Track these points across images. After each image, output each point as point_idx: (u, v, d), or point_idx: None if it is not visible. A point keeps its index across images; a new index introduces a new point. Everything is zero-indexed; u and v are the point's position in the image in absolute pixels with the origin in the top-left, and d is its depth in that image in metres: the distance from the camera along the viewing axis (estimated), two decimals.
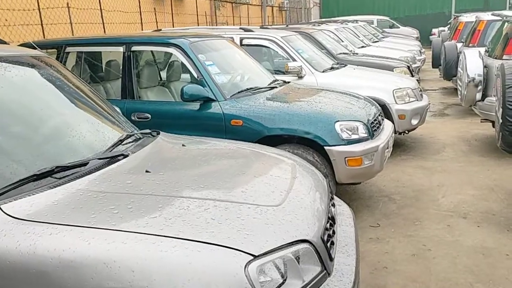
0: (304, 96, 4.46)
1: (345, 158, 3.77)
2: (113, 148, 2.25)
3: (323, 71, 6.18)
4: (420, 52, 13.16)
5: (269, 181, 2.13)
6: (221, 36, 5.04)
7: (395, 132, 5.86)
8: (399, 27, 21.65)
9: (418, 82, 8.61)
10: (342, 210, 2.51)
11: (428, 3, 26.96)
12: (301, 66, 5.95)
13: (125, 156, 2.19)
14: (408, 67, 8.44)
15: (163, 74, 5.27)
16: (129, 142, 2.42)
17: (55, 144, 2.14)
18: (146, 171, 2.01)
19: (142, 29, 9.58)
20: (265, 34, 6.29)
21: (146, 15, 10.33)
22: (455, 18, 12.91)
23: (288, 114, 3.87)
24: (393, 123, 5.76)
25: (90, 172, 1.91)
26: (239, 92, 4.18)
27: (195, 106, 4.04)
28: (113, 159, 2.11)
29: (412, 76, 8.43)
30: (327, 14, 27.25)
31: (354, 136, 3.88)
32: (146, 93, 4.50)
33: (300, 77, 6.04)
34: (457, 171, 5.37)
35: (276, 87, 4.53)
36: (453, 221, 4.05)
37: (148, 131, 2.69)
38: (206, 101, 4.02)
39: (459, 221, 4.06)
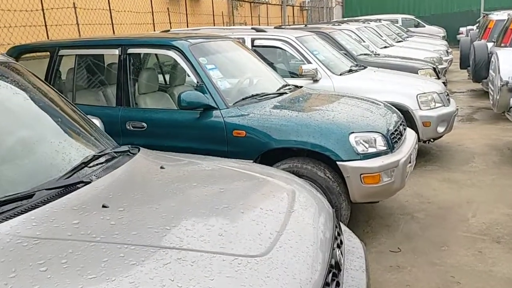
0: (316, 103, 4.02)
1: (361, 174, 3.32)
2: (74, 173, 1.87)
3: (340, 74, 5.73)
4: (447, 52, 12.52)
5: (258, 217, 1.71)
6: (227, 37, 4.64)
7: (419, 140, 5.38)
8: (424, 26, 20.89)
9: (445, 85, 8.06)
10: (352, 247, 2.07)
11: (455, 1, 26.03)
12: (316, 68, 5.50)
13: (86, 183, 1.81)
14: (434, 69, 7.90)
15: (167, 78, 4.91)
16: (98, 164, 2.04)
17: None
18: (103, 206, 1.62)
19: (154, 30, 9.28)
20: (278, 34, 5.87)
21: (159, 16, 10.02)
22: (484, 16, 12.21)
23: (297, 125, 3.44)
24: (417, 131, 5.30)
25: (29, 209, 1.53)
26: (243, 99, 3.77)
27: (194, 114, 3.65)
28: (69, 188, 1.73)
29: (438, 78, 7.89)
30: (350, 13, 26.61)
31: (371, 150, 3.43)
32: (144, 100, 4.14)
33: (316, 81, 5.60)
34: (489, 185, 4.84)
35: (286, 93, 4.11)
36: (485, 246, 3.56)
37: (125, 148, 2.31)
38: (207, 109, 3.63)
39: (492, 246, 3.56)
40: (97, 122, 2.66)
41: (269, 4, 17.53)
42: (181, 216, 1.63)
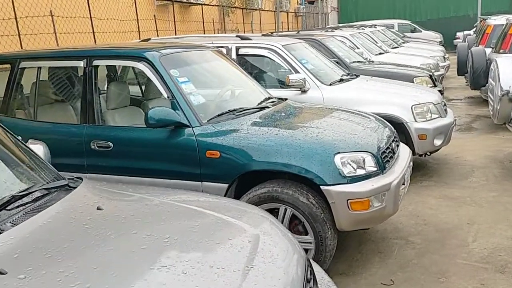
0: (299, 118, 3.67)
1: (348, 200, 2.96)
2: None
3: (330, 84, 5.38)
4: (444, 58, 12.20)
5: (204, 281, 1.35)
6: (206, 47, 4.29)
7: (414, 154, 5.03)
8: (421, 31, 20.60)
9: (442, 93, 7.72)
10: None
11: (451, 6, 25.76)
12: (304, 78, 5.16)
13: None
14: (430, 76, 7.56)
15: (143, 91, 4.55)
16: (22, 205, 1.68)
17: None
18: (0, 273, 1.25)
19: (139, 38, 8.93)
20: (263, 42, 5.53)
21: (146, 23, 9.69)
22: (482, 20, 11.92)
23: (276, 144, 3.08)
24: (412, 144, 4.96)
25: None
26: (219, 115, 3.42)
27: (164, 133, 3.30)
28: None
29: (435, 86, 7.55)
30: (346, 19, 26.32)
31: (360, 171, 3.07)
32: (113, 116, 3.78)
33: (304, 91, 5.25)
34: (490, 203, 4.49)
35: (267, 107, 3.75)
36: (487, 278, 3.20)
37: (63, 182, 1.95)
38: (178, 126, 3.28)
39: (495, 277, 3.20)
40: (40, 148, 2.31)
41: (262, 10, 17.22)
42: (100, 283, 1.27)
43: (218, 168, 3.17)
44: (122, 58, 3.61)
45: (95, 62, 3.60)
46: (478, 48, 8.07)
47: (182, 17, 11.89)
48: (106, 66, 4.31)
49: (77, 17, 7.52)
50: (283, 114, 3.65)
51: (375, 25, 15.28)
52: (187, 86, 3.46)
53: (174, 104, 3.33)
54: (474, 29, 17.30)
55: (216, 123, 3.32)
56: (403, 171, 3.40)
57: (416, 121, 4.98)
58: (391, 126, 3.96)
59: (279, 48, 5.42)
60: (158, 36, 9.34)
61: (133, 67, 4.20)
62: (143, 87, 4.55)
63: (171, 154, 3.30)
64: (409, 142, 4.99)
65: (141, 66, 3.48)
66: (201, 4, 12.21)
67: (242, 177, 3.20)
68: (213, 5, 13.04)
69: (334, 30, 11.25)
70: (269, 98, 4.03)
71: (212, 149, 3.18)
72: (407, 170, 3.55)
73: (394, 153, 3.54)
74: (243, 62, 5.66)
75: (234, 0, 14.36)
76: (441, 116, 5.22)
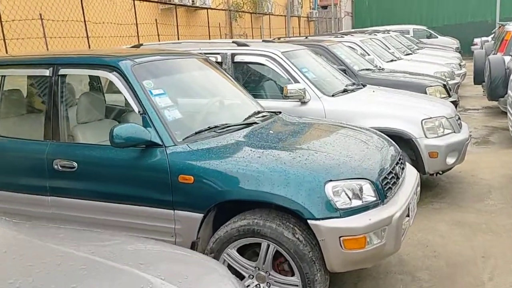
0: (290, 136, 3.22)
1: (340, 237, 2.52)
2: None
3: (332, 95, 4.93)
4: (460, 65, 11.63)
5: None
6: (190, 54, 3.87)
7: (424, 173, 4.57)
8: (437, 37, 20.00)
9: (457, 103, 7.21)
10: None
11: (469, 11, 25.06)
12: (304, 89, 4.72)
13: None
14: (444, 86, 7.05)
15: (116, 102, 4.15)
16: None
17: None
18: None
19: (138, 42, 8.58)
20: (261, 49, 5.11)
21: (147, 27, 9.34)
22: (500, 27, 11.35)
23: (258, 169, 2.65)
24: (422, 163, 4.50)
25: None
26: (197, 133, 3.00)
27: (133, 152, 2.89)
28: None
29: (449, 96, 7.04)
30: (360, 24, 25.78)
31: (356, 203, 2.63)
32: (83, 131, 3.38)
33: (303, 103, 4.82)
34: (508, 231, 4.00)
35: (256, 123, 3.32)
36: None
37: None
38: (149, 145, 2.87)
39: None
40: None
41: (272, 15, 16.80)
42: None
43: (192, 195, 2.75)
44: (91, 67, 3.20)
45: (62, 71, 3.21)
46: (496, 56, 7.54)
47: (188, 22, 11.53)
48: (89, 75, 3.94)
49: (69, 20, 7.19)
50: (271, 131, 3.22)
51: (389, 30, 14.77)
52: (162, 99, 3.05)
53: (145, 119, 2.92)
54: (492, 35, 16.69)
55: (192, 143, 2.90)
56: (408, 200, 2.94)
57: (426, 137, 4.50)
58: (396, 145, 3.49)
59: (278, 56, 4.99)
60: (159, 41, 8.99)
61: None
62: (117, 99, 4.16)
63: (141, 177, 2.90)
64: (418, 160, 4.54)
65: (111, 76, 3.08)
66: (207, 8, 11.84)
67: (223, 206, 2.78)
68: (220, 9, 12.68)
69: (344, 35, 10.78)
70: (259, 112, 3.60)
71: (185, 173, 2.76)
72: (413, 197, 3.09)
73: (398, 178, 3.08)
74: (240, 70, 5.26)
75: (242, 4, 13.98)
76: (454, 132, 4.74)
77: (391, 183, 2.93)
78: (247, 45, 5.19)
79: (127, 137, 2.78)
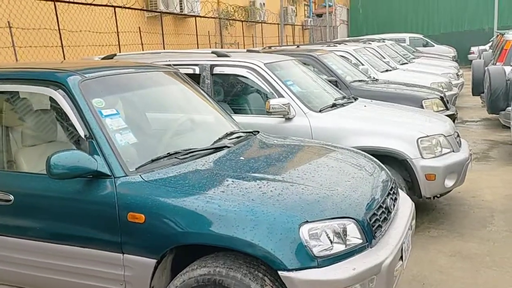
0: (263, 165, 2.77)
1: None
2: None
3: (320, 110, 4.49)
4: (457, 75, 11.25)
5: None
6: (155, 66, 3.42)
7: (420, 197, 4.15)
8: (433, 46, 19.71)
9: (455, 116, 6.80)
10: None
11: (466, 19, 24.78)
12: (288, 103, 4.28)
13: None
14: (442, 98, 6.64)
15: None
16: None
17: None
18: None
19: (120, 52, 8.15)
20: (242, 60, 4.68)
21: (131, 36, 8.90)
22: (499, 35, 10.98)
23: (220, 207, 2.21)
24: (418, 186, 4.08)
25: None
26: (153, 161, 2.55)
27: (77, 184, 2.45)
28: None
29: (447, 108, 6.63)
30: (355, 32, 25.48)
31: (338, 248, 2.18)
32: (30, 157, 2.94)
33: (288, 119, 4.38)
34: None
35: (226, 147, 2.88)
36: None
37: None
38: (96, 175, 2.42)
39: None
40: None
41: (265, 23, 16.41)
42: None
43: (143, 237, 2.30)
44: (31, 83, 2.75)
45: None
46: (496, 67, 7.14)
47: (176, 30, 11.11)
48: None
49: (41, 28, 6.75)
50: (242, 158, 2.77)
51: (384, 39, 14.41)
52: (113, 121, 2.61)
53: (92, 145, 2.48)
54: (489, 44, 16.37)
55: (147, 172, 2.46)
56: (402, 239, 2.50)
57: (422, 157, 4.07)
58: (387, 171, 3.06)
59: (260, 67, 4.56)
60: (143, 50, 8.57)
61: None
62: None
63: (85, 214, 2.45)
64: (414, 183, 4.11)
65: (54, 93, 2.63)
66: (196, 16, 11.43)
67: (178, 250, 2.33)
68: (209, 17, 12.27)
69: (337, 44, 10.40)
70: (232, 133, 3.15)
71: (135, 210, 2.31)
72: (407, 234, 2.65)
73: (389, 212, 2.64)
74: (219, 83, 4.84)
75: (233, 12, 13.58)
76: (453, 151, 4.31)
77: (381, 219, 2.49)
78: (228, 56, 4.76)
79: (68, 167, 2.33)
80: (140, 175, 2.43)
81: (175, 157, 2.63)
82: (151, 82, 3.13)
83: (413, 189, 4.16)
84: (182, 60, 4.81)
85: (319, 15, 24.62)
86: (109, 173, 2.42)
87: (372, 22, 26.37)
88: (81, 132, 2.53)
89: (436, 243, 3.99)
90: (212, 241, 2.18)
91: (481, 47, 16.22)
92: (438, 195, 4.42)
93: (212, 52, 4.90)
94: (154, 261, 2.30)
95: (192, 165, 2.57)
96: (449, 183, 4.17)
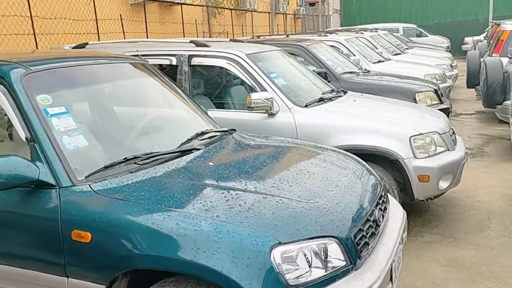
0: (234, 171, 2.42)
1: None
2: None
3: (306, 105, 4.16)
4: (451, 66, 10.94)
5: None
6: (119, 57, 3.06)
7: (413, 199, 3.85)
8: (427, 36, 19.42)
9: (449, 110, 6.51)
10: None
11: (460, 9, 24.44)
12: (271, 98, 3.94)
13: None
14: (435, 91, 6.33)
15: None
16: None
17: None
18: None
19: (99, 40, 7.75)
20: (222, 50, 4.32)
21: (113, 24, 8.48)
22: (494, 25, 10.67)
23: (179, 226, 1.87)
24: (410, 188, 3.77)
25: None
26: (107, 167, 2.21)
27: (14, 194, 2.10)
28: None
29: (441, 102, 6.33)
30: (349, 22, 25.06)
31: (316, 273, 1.86)
32: None
33: (271, 115, 4.04)
34: None
35: (195, 149, 2.54)
36: None
37: None
38: (38, 185, 2.08)
39: None
40: None
41: (256, 11, 15.97)
42: None
43: (89, 260, 1.97)
44: None
45: None
46: (493, 58, 6.82)
47: (161, 18, 10.68)
48: None
49: (11, 15, 6.33)
50: (212, 163, 2.43)
51: (377, 29, 14.05)
52: (62, 121, 2.25)
53: (34, 149, 2.13)
54: (484, 34, 16.07)
55: (98, 182, 2.12)
56: (392, 257, 2.18)
57: (415, 157, 3.76)
58: (377, 176, 2.74)
59: (241, 58, 4.20)
60: (124, 38, 8.17)
61: None
62: None
63: (25, 230, 2.11)
64: (406, 185, 3.81)
65: None
66: (183, 4, 11.00)
67: (139, 273, 2.00)
68: (196, 5, 11.83)
69: (328, 34, 10.03)
70: (204, 133, 2.81)
71: (80, 227, 1.98)
72: (398, 250, 2.34)
73: (378, 225, 2.32)
74: (198, 75, 4.49)
75: (222, 0, 13.13)
76: (448, 149, 4.00)
77: (368, 235, 2.17)
78: (207, 46, 4.40)
79: (4, 176, 1.98)
80: (89, 185, 2.09)
81: (134, 163, 2.29)
82: (111, 75, 2.77)
83: (405, 191, 3.85)
84: (158, 50, 4.45)
85: (312, 4, 24.20)
86: (53, 182, 2.07)
87: (366, 12, 25.96)
88: (22, 134, 2.17)
89: (429, 250, 3.69)
90: (167, 267, 1.85)
91: (475, 38, 15.91)
92: (432, 197, 4.11)
93: (191, 42, 4.54)
94: (103, 287, 1.97)
95: (151, 172, 2.23)
96: (443, 184, 3.86)
